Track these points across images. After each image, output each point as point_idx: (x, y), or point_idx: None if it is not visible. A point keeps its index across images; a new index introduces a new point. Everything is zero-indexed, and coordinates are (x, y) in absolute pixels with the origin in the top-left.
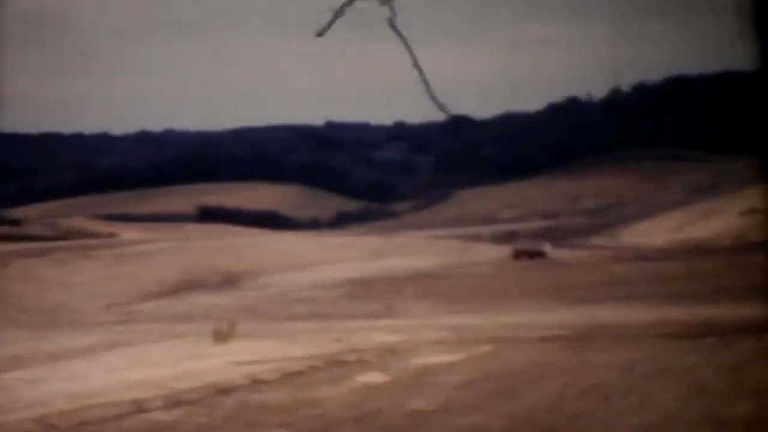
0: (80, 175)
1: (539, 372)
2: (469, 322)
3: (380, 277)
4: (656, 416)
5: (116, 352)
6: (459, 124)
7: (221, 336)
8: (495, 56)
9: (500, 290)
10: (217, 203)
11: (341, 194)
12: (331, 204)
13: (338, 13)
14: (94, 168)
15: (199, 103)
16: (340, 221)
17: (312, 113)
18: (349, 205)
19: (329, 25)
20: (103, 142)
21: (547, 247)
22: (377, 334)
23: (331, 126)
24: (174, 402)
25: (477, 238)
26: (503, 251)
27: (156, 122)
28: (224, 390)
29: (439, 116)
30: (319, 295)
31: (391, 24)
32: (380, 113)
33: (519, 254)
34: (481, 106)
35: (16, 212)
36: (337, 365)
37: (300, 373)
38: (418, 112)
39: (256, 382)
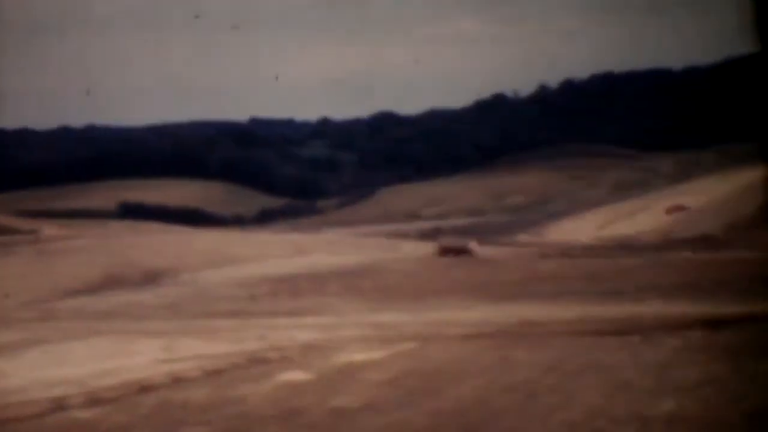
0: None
1: (464, 369)
2: (393, 319)
3: (304, 274)
4: (581, 413)
5: (36, 350)
6: (384, 121)
7: None
8: (421, 52)
9: (425, 287)
10: (139, 200)
11: (265, 191)
12: (255, 201)
13: None
14: (14, 164)
15: (121, 99)
16: (263, 218)
17: (235, 109)
18: (273, 202)
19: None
20: (24, 137)
21: (473, 245)
22: (300, 331)
23: (254, 122)
24: (94, 400)
25: (402, 235)
26: (428, 248)
27: (77, 118)
28: (145, 388)
29: (364, 112)
30: (241, 293)
31: None
32: (305, 109)
33: (444, 251)
34: (407, 103)
35: None
36: (260, 363)
37: (222, 371)
38: (343, 108)
39: (177, 380)
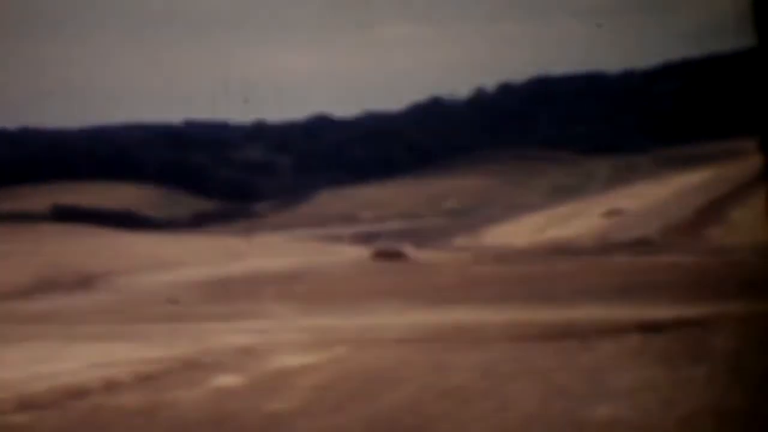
0: None
1: (398, 374)
2: (328, 324)
3: (239, 278)
4: (516, 418)
5: None
6: (320, 124)
7: None
8: (358, 55)
9: (360, 291)
10: (73, 202)
11: (200, 194)
12: (190, 204)
13: None
14: None
15: (55, 101)
16: (198, 221)
17: (170, 112)
18: (208, 205)
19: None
20: None
21: (408, 249)
22: (234, 335)
23: (189, 125)
24: (26, 405)
25: (337, 239)
26: (363, 252)
27: (10, 120)
28: (78, 393)
29: (300, 115)
30: (175, 296)
31: None
32: (240, 112)
33: (379, 255)
34: (344, 106)
35: None
36: (194, 367)
37: (155, 376)
38: (279, 111)
39: (110, 385)
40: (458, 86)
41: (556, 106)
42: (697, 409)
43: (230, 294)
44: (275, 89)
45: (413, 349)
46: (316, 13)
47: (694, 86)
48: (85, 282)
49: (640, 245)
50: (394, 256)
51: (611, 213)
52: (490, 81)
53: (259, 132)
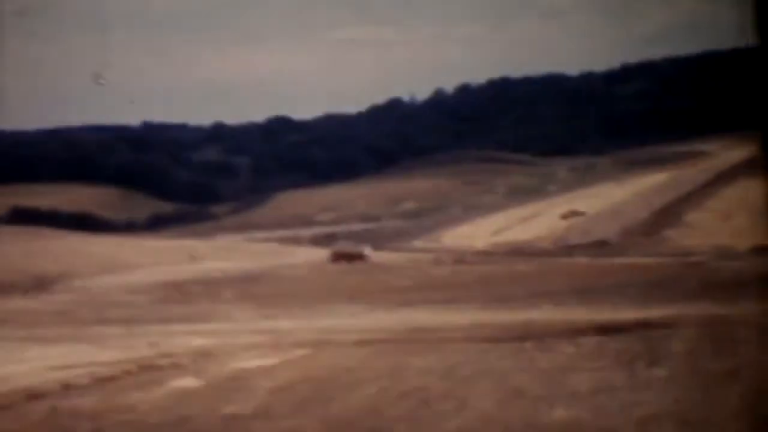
0: None
1: (357, 376)
2: (286, 326)
3: (197, 280)
4: (475, 420)
5: None
6: (279, 126)
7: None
8: (316, 57)
9: (318, 293)
10: (31, 205)
11: (158, 196)
12: (148, 206)
13: None
14: None
15: (12, 103)
16: (157, 223)
17: (128, 113)
18: (167, 207)
19: None
20: None
21: (367, 250)
22: (192, 338)
23: (147, 126)
24: None
25: (296, 241)
26: (322, 254)
27: None
28: (35, 395)
29: (259, 117)
30: (133, 299)
31: None
32: (199, 114)
33: (338, 257)
34: (303, 108)
35: None
36: (151, 370)
37: (112, 378)
38: (238, 113)
39: (67, 388)
40: (418, 88)
41: (516, 107)
42: (656, 410)
43: (188, 296)
44: (234, 91)
45: (372, 351)
46: (276, 15)
47: (653, 88)
48: (43, 284)
49: (599, 247)
50: (353, 257)
51: (570, 214)
52: (449, 83)
53: (218, 134)
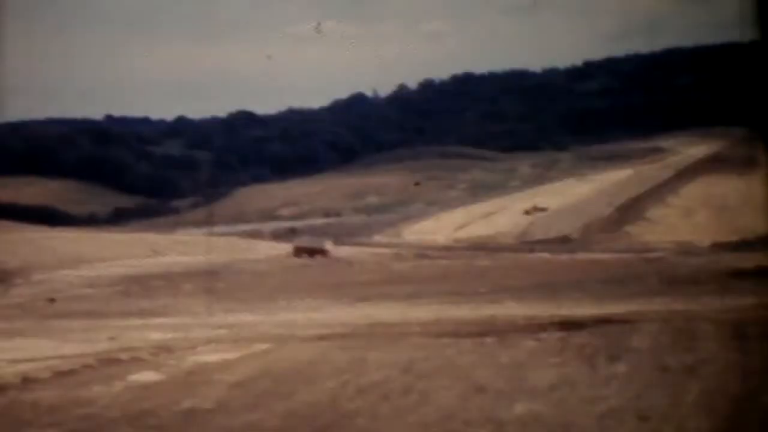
0: None
1: (317, 370)
2: (246, 320)
3: (158, 274)
4: (435, 415)
5: None
6: (241, 120)
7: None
8: (278, 52)
9: (279, 288)
10: None
11: (120, 190)
12: (110, 199)
13: None
14: None
15: None
16: (118, 217)
17: (90, 107)
18: (128, 200)
19: None
20: None
21: (328, 245)
22: (152, 332)
23: (110, 120)
24: None
25: (257, 236)
26: (284, 249)
27: None
28: None
29: (221, 111)
30: (94, 293)
31: None
32: (161, 108)
33: (299, 252)
34: (265, 102)
35: None
36: (111, 364)
37: (72, 372)
38: (200, 106)
39: (27, 381)
40: (381, 83)
41: (479, 103)
42: (616, 405)
43: (149, 290)
44: (197, 85)
45: (332, 345)
46: (241, 9)
47: (615, 85)
48: (2, 278)
49: (561, 242)
50: (314, 252)
51: (532, 210)
52: (412, 78)
53: (180, 128)
